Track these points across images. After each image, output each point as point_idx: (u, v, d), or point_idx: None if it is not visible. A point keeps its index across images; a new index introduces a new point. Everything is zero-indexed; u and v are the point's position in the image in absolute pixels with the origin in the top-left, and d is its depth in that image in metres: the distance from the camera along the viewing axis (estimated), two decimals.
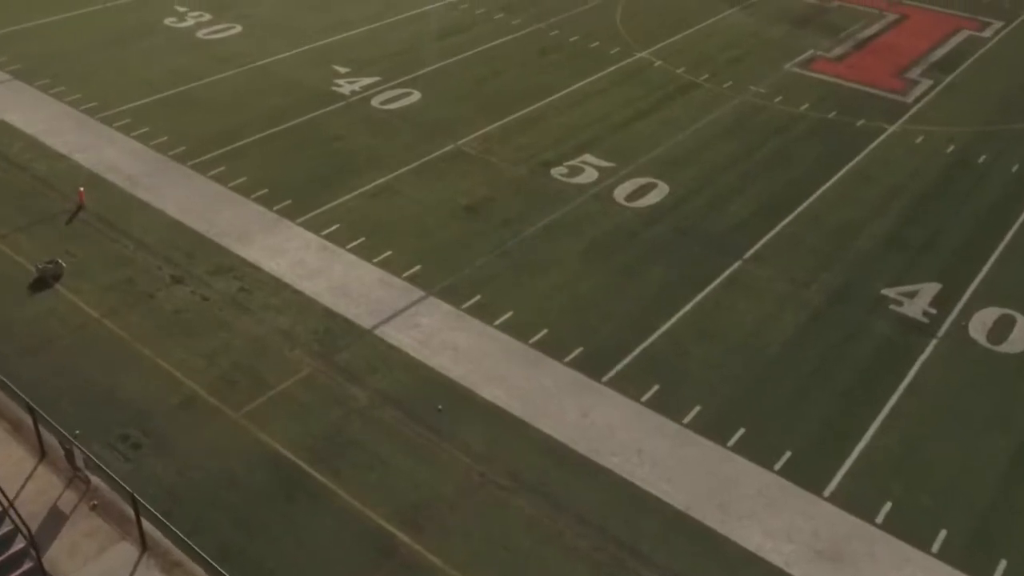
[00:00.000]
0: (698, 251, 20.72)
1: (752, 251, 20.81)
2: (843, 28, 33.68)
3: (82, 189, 21.87)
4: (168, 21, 32.29)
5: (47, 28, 31.31)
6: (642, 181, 23.40)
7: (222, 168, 23.39)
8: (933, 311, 19.00)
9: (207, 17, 32.79)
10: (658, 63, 30.23)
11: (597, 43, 31.60)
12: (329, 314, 18.44)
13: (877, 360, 17.71)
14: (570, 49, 31.13)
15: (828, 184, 23.59)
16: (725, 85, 28.80)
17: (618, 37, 32.16)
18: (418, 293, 19.13)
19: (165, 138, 24.62)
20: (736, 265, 20.25)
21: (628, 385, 16.84)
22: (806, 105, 27.70)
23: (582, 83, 28.61)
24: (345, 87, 27.88)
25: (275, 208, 21.84)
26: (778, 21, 34.15)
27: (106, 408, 16.07)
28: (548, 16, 33.76)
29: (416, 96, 27.50)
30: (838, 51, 31.74)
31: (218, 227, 21.10)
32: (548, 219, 21.76)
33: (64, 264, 19.41)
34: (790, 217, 22.13)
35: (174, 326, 18.06)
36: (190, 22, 32.33)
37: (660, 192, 22.95)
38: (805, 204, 22.69)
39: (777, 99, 28.03)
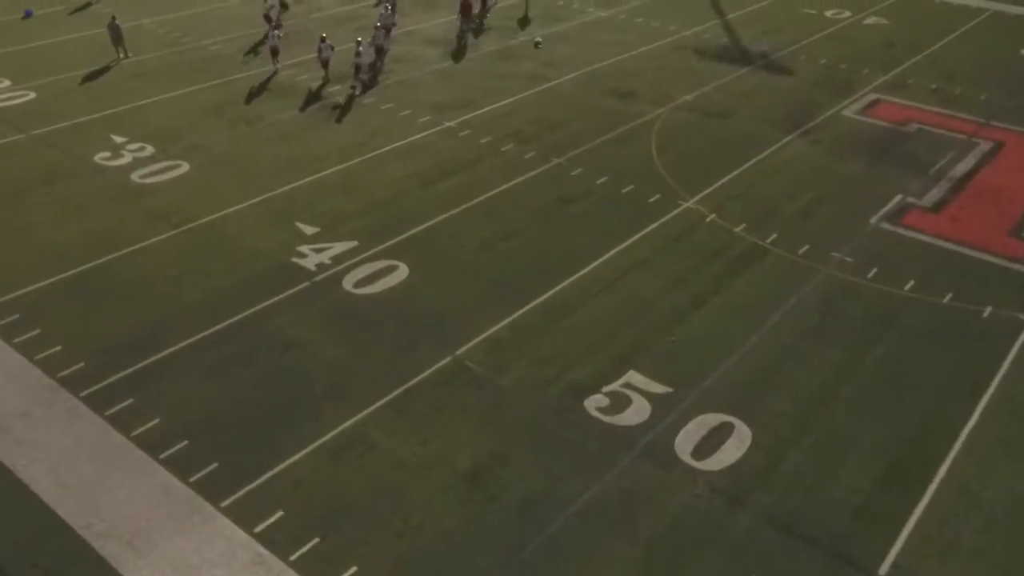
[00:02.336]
0: (807, 565, 14.01)
1: (889, 564, 14.10)
2: (930, 162, 27.39)
3: None
4: (99, 157, 26.04)
5: None
6: (712, 421, 16.79)
7: (129, 401, 16.79)
8: None
9: (148, 151, 26.52)
10: (711, 217, 23.85)
11: (631, 186, 25.28)
12: None
13: None
14: (598, 195, 24.79)
15: (971, 422, 16.99)
16: (800, 251, 22.37)
17: (656, 177, 25.86)
18: None
19: (58, 348, 18.09)
20: None
21: None
22: (911, 283, 21.22)
23: (617, 249, 22.19)
24: (311, 257, 21.45)
25: (193, 478, 15.19)
26: (849, 153, 27.87)
27: None
28: (568, 147, 27.52)
29: (403, 272, 21.05)
30: (933, 196, 25.39)
31: (104, 520, 14.42)
32: (586, 496, 15.11)
33: None
34: (931, 490, 15.47)
35: None
36: (126, 158, 26.06)
37: (739, 443, 16.31)
38: (946, 464, 16.05)
39: (871, 272, 21.57)
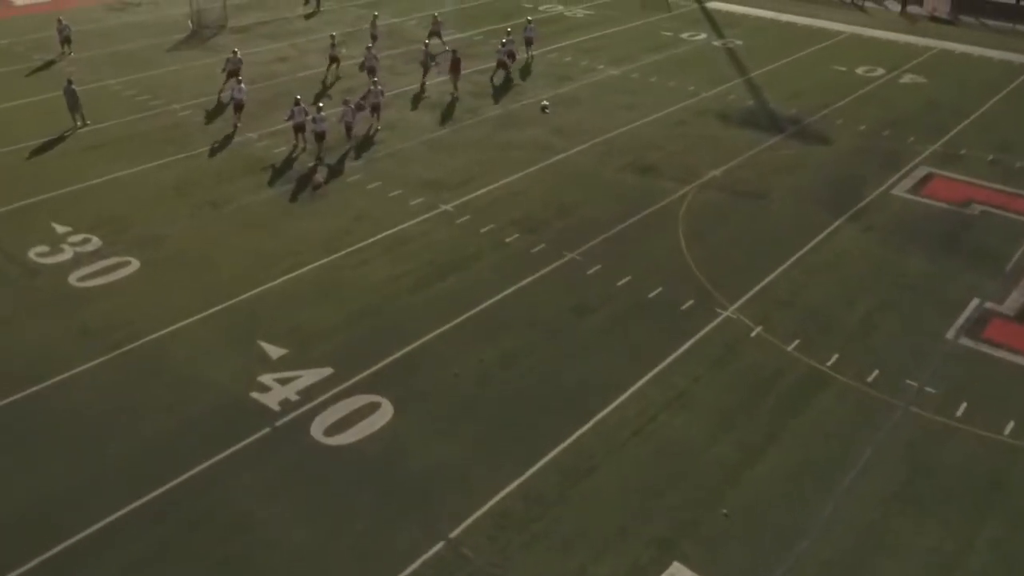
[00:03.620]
0: None
1: None
2: (1004, 254, 23.59)
3: None
4: (35, 253, 22.20)
5: None
6: None
7: None
8: None
9: (93, 244, 22.70)
10: (756, 330, 19.97)
11: (659, 289, 21.43)
12: None
13: None
14: (620, 302, 20.93)
15: None
16: (869, 377, 18.46)
17: (687, 275, 22.03)
18: None
19: None
20: None
21: None
22: (1010, 424, 17.27)
23: (647, 377, 18.28)
24: (274, 391, 17.52)
25: None
26: (908, 243, 24.05)
27: None
28: (582, 236, 23.72)
29: (386, 411, 17.12)
30: (1015, 301, 21.53)
31: None
32: None
33: None
34: None
35: None
36: (66, 254, 22.22)
37: None
38: None
39: (960, 408, 17.65)
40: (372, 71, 33.66)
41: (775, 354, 19.18)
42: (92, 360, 18.31)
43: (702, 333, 19.80)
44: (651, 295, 21.22)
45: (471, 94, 34.37)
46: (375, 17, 40.08)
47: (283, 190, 26.03)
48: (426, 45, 35.55)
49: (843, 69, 39.17)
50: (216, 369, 18.14)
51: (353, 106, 29.08)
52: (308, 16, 44.72)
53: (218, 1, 43.32)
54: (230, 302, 20.43)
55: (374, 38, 38.56)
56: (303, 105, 28.86)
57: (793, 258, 23.08)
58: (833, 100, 34.99)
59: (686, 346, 19.34)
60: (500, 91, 34.84)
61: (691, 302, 20.95)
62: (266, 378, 17.85)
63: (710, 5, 50.31)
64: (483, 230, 24.01)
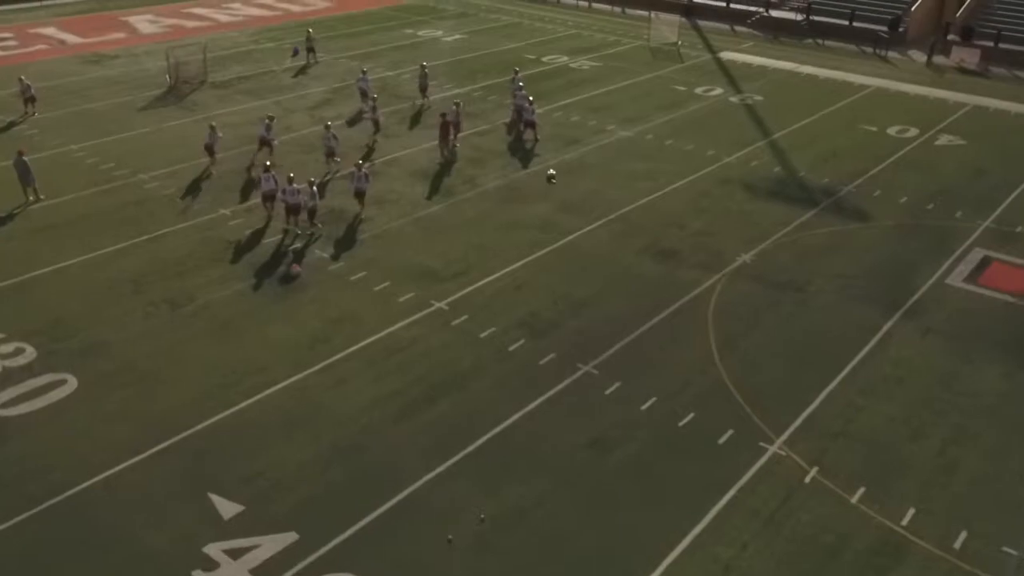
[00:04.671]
0: None
1: None
2: None
3: None
4: None
5: None
6: None
7: None
8: None
9: (26, 356, 19.38)
10: (811, 472, 16.59)
11: (691, 414, 18.08)
12: None
13: None
14: (646, 433, 17.57)
15: None
16: (956, 542, 15.06)
17: (723, 395, 18.69)
18: None
19: None
20: None
21: None
22: None
23: (684, 543, 14.85)
24: (222, 568, 14.10)
25: None
26: (977, 349, 20.70)
27: None
28: (598, 343, 20.40)
29: None
30: None
31: None
32: None
33: None
34: None
35: None
36: None
37: None
38: None
39: None
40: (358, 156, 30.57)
41: (837, 509, 15.76)
42: (7, 520, 14.90)
43: (746, 478, 16.40)
44: (682, 423, 17.86)
45: (469, 160, 31.25)
46: (364, 73, 37.02)
47: (254, 282, 22.75)
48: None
49: (873, 129, 36.09)
50: (154, 534, 14.74)
51: (363, 172, 26.06)
52: (301, 71, 41.60)
53: (198, 54, 40.37)
54: (178, 437, 17.06)
55: (364, 94, 35.62)
56: (273, 172, 25.86)
57: (844, 371, 19.73)
58: (867, 166, 31.85)
59: (728, 497, 15.94)
60: (501, 156, 31.70)
61: (730, 432, 17.58)
62: (214, 549, 14.43)
63: (724, 56, 47.44)
64: (483, 334, 20.70)
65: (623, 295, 22.62)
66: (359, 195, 26.13)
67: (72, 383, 18.57)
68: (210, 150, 29.40)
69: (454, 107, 32.14)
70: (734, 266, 24.31)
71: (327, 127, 29.99)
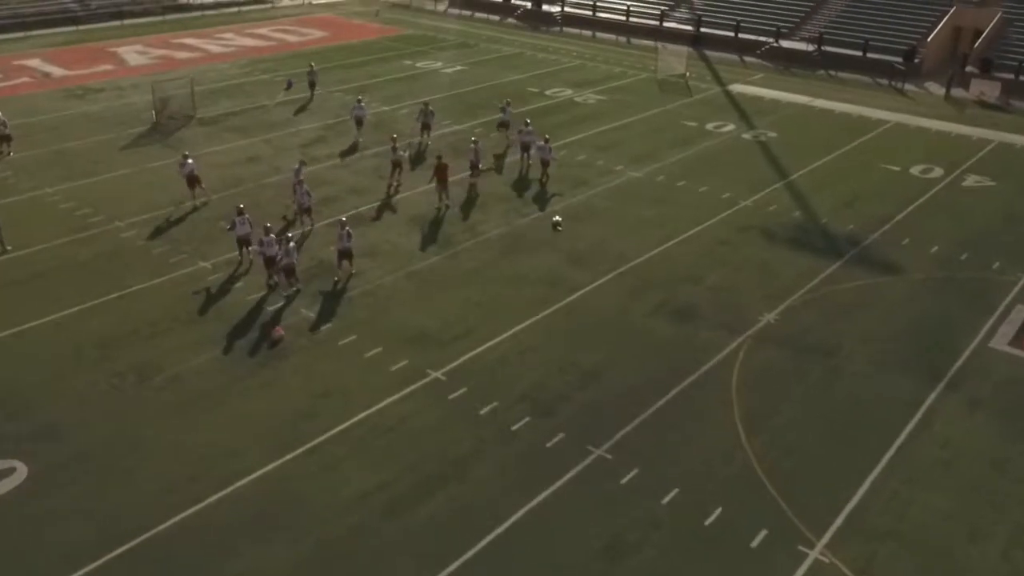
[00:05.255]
0: None
1: None
2: None
3: None
4: None
5: None
6: None
7: None
8: None
9: None
10: None
11: (718, 511, 16.03)
12: None
13: None
14: (667, 535, 15.49)
15: None
16: None
17: (753, 486, 16.63)
18: None
19: None
20: None
21: None
22: None
23: None
24: None
25: None
26: None
27: None
28: (610, 422, 18.37)
29: None
30: None
31: None
32: None
33: None
34: None
35: None
36: None
37: None
38: None
39: None
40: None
41: None
42: None
43: None
44: (708, 521, 15.79)
45: (469, 204, 29.32)
46: (360, 101, 35.18)
47: (232, 348, 20.74)
48: (393, 140, 30.44)
49: (895, 169, 34.22)
50: None
51: (347, 229, 23.76)
52: (301, 108, 39.58)
53: (186, 88, 38.57)
54: (138, 540, 14.99)
55: (360, 122, 34.11)
56: (247, 216, 24.02)
57: (887, 455, 17.68)
58: (892, 211, 29.93)
59: None
60: (503, 199, 29.79)
61: (764, 533, 15.51)
62: None
63: (734, 88, 45.67)
64: (483, 411, 18.67)
65: (637, 362, 20.61)
66: (344, 255, 23.82)
67: (22, 472, 16.52)
68: (193, 181, 27.72)
69: (472, 145, 30.37)
70: (757, 327, 22.31)
71: (299, 178, 26.87)
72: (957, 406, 19.37)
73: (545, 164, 31.08)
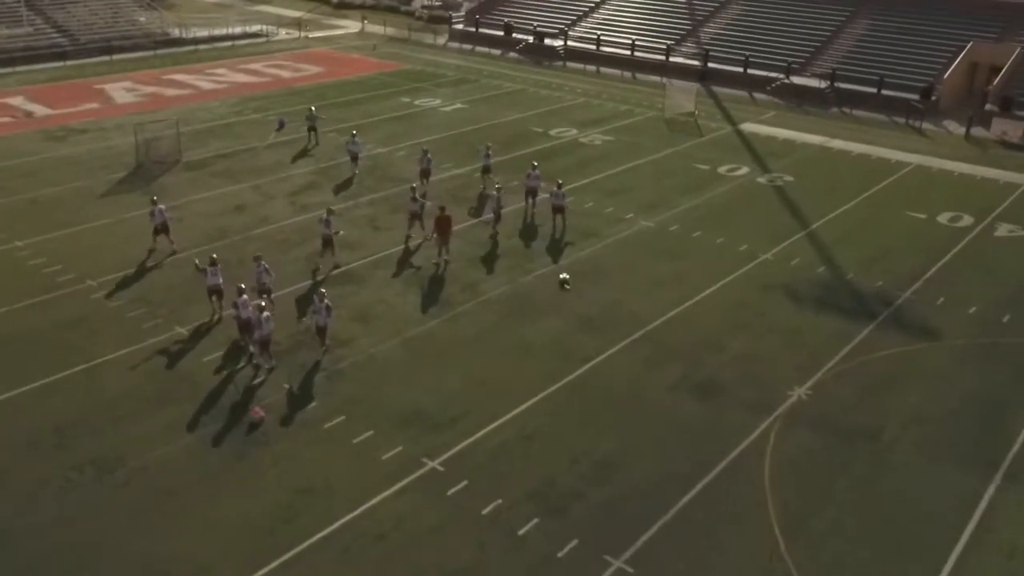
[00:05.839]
0: None
1: None
2: None
3: None
4: None
5: None
6: None
7: None
8: None
9: None
10: None
11: None
12: None
13: None
14: None
15: None
16: None
17: None
18: None
19: None
20: None
21: None
22: None
23: None
24: None
25: None
26: None
27: None
28: (630, 526, 16.19)
29: None
30: None
31: None
32: None
33: None
34: None
35: None
36: None
37: None
38: None
39: None
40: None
41: None
42: None
43: None
44: None
45: (470, 260, 27.27)
46: (354, 135, 33.21)
47: (206, 433, 18.59)
48: (413, 190, 28.55)
49: (922, 216, 32.23)
50: None
51: (325, 303, 21.46)
52: (301, 153, 37.47)
53: (172, 129, 36.65)
54: None
55: (355, 158, 32.33)
56: (219, 267, 22.08)
57: (947, 567, 15.48)
58: (923, 265, 27.90)
59: None
60: (507, 254, 27.73)
61: None
62: None
63: (745, 127, 43.81)
64: (486, 510, 16.49)
65: (657, 449, 18.45)
66: (320, 332, 21.56)
67: None
68: (162, 230, 26.46)
69: (495, 192, 28.53)
70: (788, 403, 20.19)
71: (256, 258, 23.11)
72: (1018, 502, 17.20)
73: (558, 211, 29.14)
